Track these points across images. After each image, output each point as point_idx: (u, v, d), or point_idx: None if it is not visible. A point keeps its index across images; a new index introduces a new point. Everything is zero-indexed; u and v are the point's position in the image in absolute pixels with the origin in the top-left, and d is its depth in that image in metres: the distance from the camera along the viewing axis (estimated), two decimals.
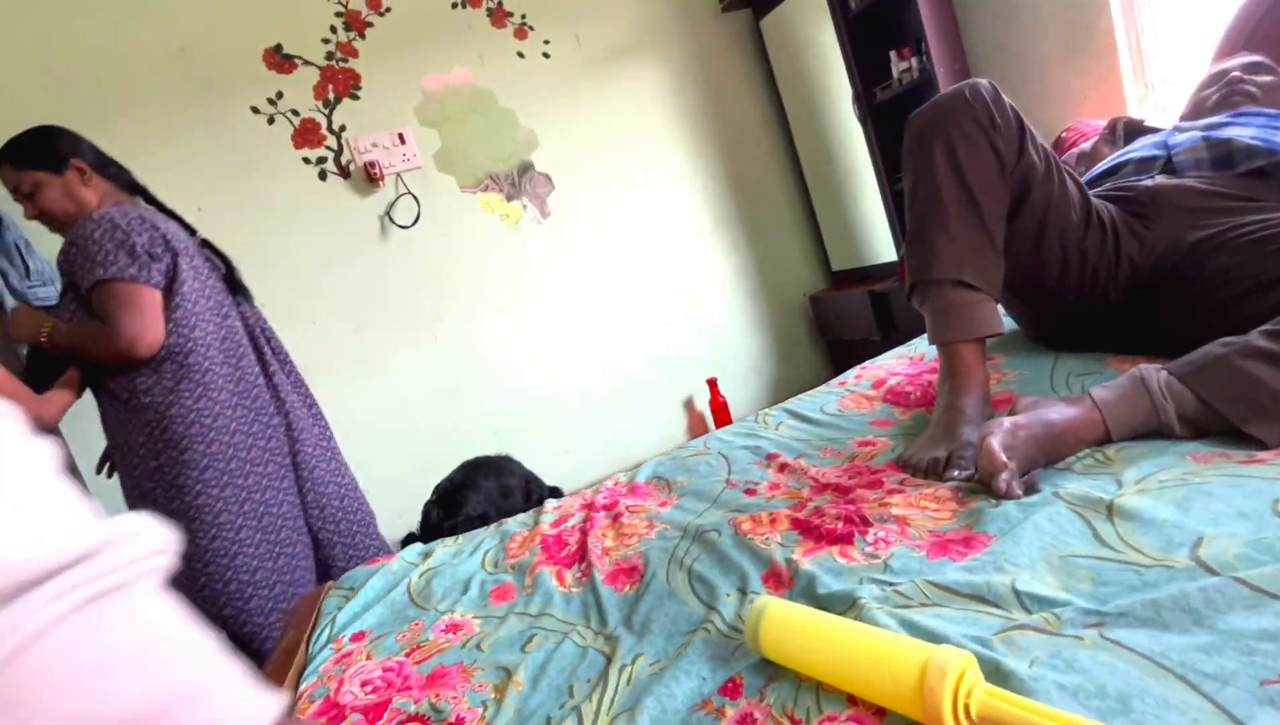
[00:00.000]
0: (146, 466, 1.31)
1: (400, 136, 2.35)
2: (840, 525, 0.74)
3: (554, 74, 2.56)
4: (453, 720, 0.63)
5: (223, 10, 2.15)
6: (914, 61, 2.27)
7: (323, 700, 0.71)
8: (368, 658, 0.78)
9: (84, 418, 1.52)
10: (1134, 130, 1.33)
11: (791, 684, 0.53)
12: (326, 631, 0.87)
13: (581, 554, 0.90)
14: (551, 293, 2.58)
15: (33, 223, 1.39)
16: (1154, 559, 0.54)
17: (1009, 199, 0.93)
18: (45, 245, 1.83)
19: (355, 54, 2.31)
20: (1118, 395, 0.75)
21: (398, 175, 2.35)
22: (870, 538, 0.70)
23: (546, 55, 2.55)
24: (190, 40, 2.12)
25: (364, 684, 0.73)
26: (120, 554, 0.26)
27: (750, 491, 0.93)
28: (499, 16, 2.49)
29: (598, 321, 2.64)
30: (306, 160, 2.26)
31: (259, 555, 1.34)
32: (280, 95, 2.22)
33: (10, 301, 1.74)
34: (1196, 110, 1.22)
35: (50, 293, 1.82)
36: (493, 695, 0.65)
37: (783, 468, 0.98)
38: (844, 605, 0.60)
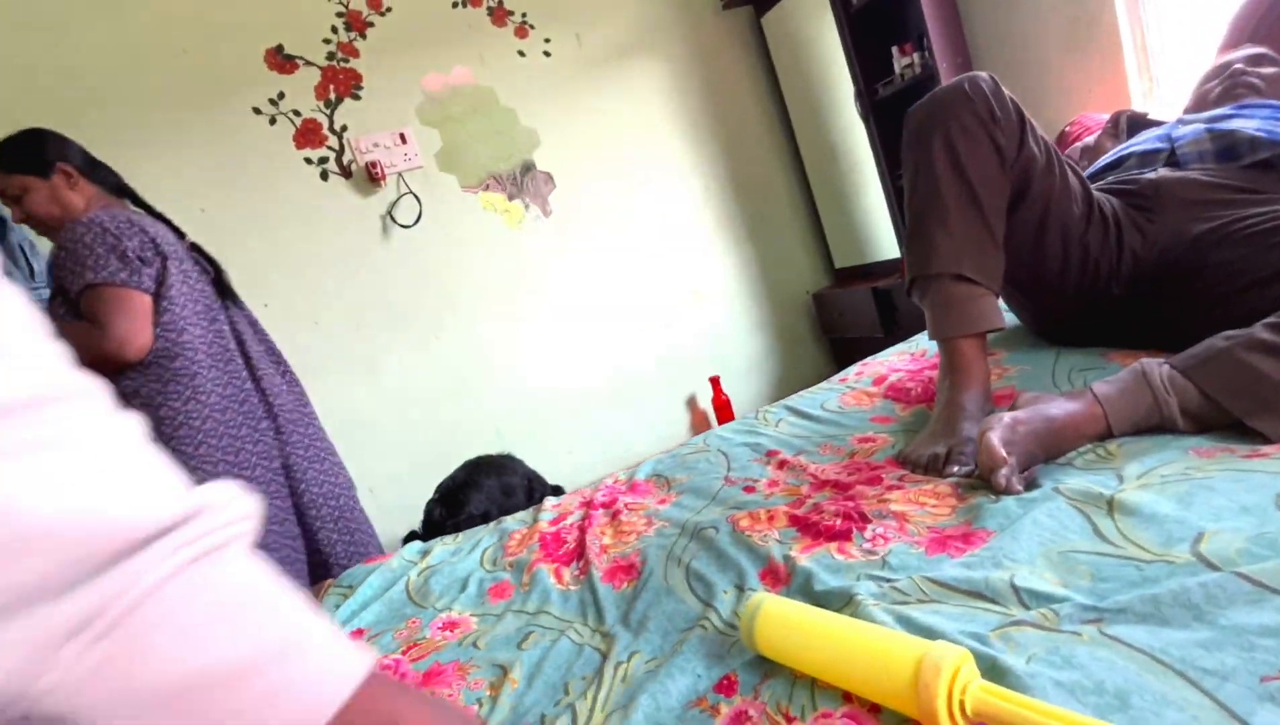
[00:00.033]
0: None
1: (401, 136, 2.35)
2: (839, 522, 0.73)
3: (555, 73, 2.56)
4: None
5: (224, 12, 2.15)
6: (916, 57, 2.25)
7: None
8: None
9: None
10: (1137, 124, 1.31)
11: (786, 681, 0.53)
12: None
13: (580, 551, 0.89)
14: (553, 291, 2.58)
15: None
16: (1155, 554, 0.54)
17: (1009, 192, 0.92)
18: (48, 247, 1.84)
19: (356, 54, 2.31)
20: (1119, 389, 0.74)
21: (399, 175, 2.35)
22: (868, 534, 0.70)
23: (547, 54, 2.55)
24: (192, 42, 2.12)
25: None
26: (215, 518, 0.28)
27: (749, 488, 0.93)
28: (499, 16, 2.49)
29: (600, 320, 2.64)
30: (308, 160, 2.27)
31: None
32: (282, 96, 2.22)
33: None
34: (1200, 103, 1.21)
35: None
36: (488, 693, 0.65)
37: (782, 465, 0.97)
38: (841, 602, 0.59)
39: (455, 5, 2.44)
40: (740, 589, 0.68)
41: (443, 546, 1.04)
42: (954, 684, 0.42)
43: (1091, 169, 1.21)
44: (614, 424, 2.66)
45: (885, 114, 2.34)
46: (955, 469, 0.78)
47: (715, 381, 2.72)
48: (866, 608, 0.56)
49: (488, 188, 2.49)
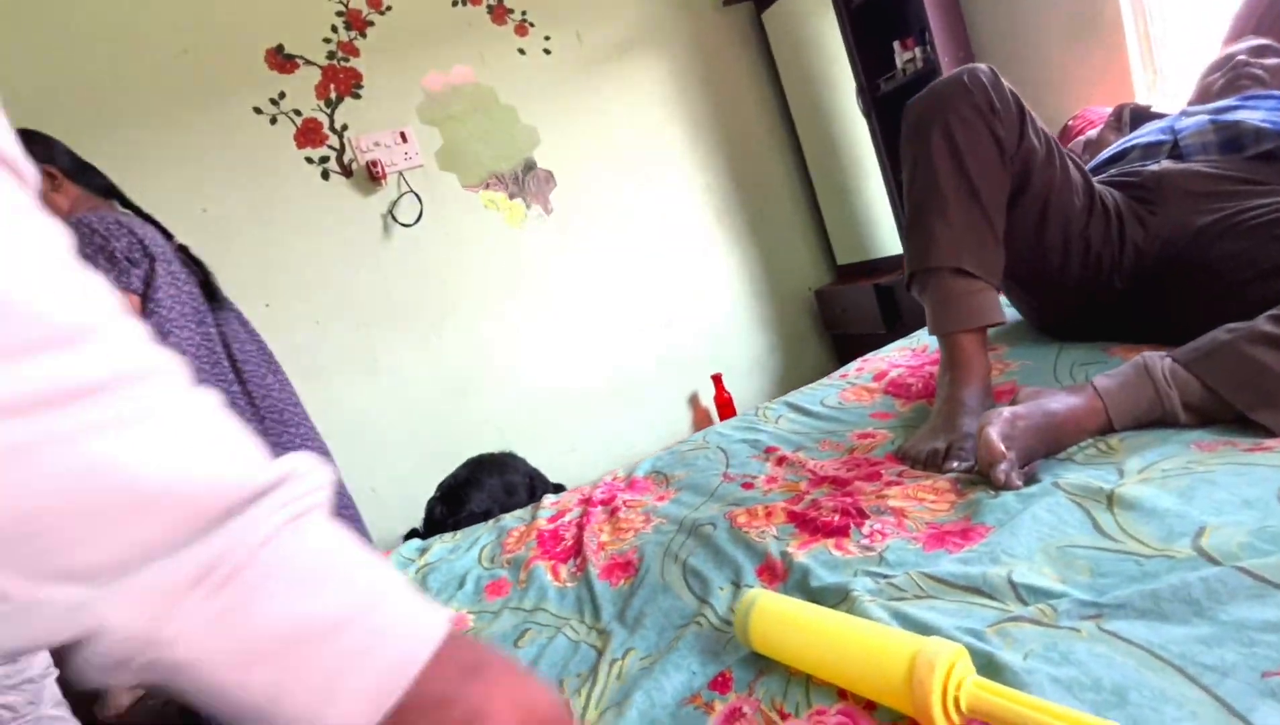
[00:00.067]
0: None
1: (402, 135, 2.35)
2: (836, 518, 0.73)
3: (555, 71, 2.55)
4: None
5: (224, 11, 2.15)
6: (918, 52, 2.24)
7: None
8: None
9: None
10: (1140, 116, 1.30)
11: (781, 677, 0.52)
12: None
13: (577, 549, 0.89)
14: (555, 289, 2.57)
15: None
16: (1155, 549, 0.53)
17: (1009, 185, 0.91)
18: None
19: (356, 53, 2.31)
20: (1120, 383, 0.74)
21: (400, 174, 2.35)
22: (866, 530, 0.69)
23: (547, 52, 2.54)
24: (192, 42, 2.12)
25: None
26: (301, 483, 0.30)
27: (748, 485, 0.92)
28: (499, 14, 2.49)
29: (602, 318, 2.63)
30: (309, 160, 2.27)
31: None
32: (282, 95, 2.22)
33: None
34: (1203, 95, 1.20)
35: None
36: None
37: (781, 461, 0.96)
38: (837, 598, 0.58)
39: (455, 4, 2.43)
40: (736, 585, 0.68)
41: (441, 544, 1.04)
42: (948, 680, 0.42)
43: (1094, 162, 1.20)
44: (616, 422, 2.65)
45: (887, 110, 2.33)
46: (955, 464, 0.77)
47: (717, 379, 2.72)
48: (863, 604, 0.55)
49: (488, 186, 2.49)
